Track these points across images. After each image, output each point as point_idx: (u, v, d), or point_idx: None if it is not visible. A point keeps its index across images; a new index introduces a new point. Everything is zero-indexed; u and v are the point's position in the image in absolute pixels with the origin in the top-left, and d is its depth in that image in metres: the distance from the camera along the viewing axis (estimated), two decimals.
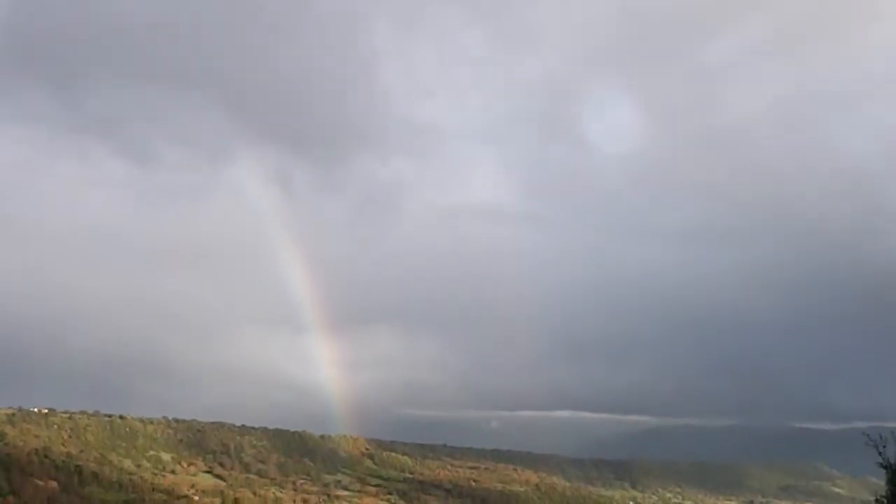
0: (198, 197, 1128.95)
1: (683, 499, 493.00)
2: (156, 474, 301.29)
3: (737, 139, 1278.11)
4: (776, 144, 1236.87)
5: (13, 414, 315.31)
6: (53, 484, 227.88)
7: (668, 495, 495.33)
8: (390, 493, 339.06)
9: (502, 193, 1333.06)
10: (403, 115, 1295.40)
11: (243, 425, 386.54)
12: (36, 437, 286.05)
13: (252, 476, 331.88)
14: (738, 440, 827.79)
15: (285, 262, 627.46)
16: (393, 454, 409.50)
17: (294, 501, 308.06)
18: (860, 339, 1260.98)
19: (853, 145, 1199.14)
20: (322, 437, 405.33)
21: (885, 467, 15.27)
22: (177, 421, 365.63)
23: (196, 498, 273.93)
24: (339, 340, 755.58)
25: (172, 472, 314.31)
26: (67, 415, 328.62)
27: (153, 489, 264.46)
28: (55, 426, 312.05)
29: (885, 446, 15.30)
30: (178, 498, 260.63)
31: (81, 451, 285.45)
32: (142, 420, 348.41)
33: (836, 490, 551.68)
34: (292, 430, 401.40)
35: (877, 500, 15.38)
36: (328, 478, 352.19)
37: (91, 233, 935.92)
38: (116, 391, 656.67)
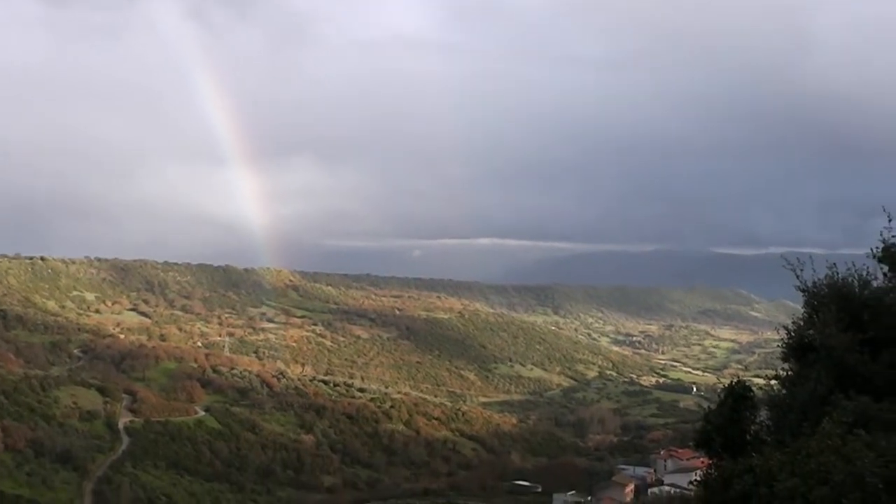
0: (114, 34, 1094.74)
1: (605, 323, 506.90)
2: (81, 314, 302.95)
3: None
4: None
5: None
6: None
7: (590, 319, 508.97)
8: (315, 324, 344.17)
9: (420, 23, 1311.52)
10: None
11: (166, 262, 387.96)
12: None
13: (177, 312, 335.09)
14: (659, 265, 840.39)
15: (203, 96, 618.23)
16: (317, 285, 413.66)
17: (220, 335, 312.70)
18: (780, 167, 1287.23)
19: None
20: (246, 270, 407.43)
21: (803, 291, 18.09)
22: (99, 260, 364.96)
23: (122, 336, 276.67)
24: (260, 173, 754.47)
25: (97, 311, 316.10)
26: None
27: (79, 329, 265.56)
28: None
29: (802, 270, 18.10)
30: (104, 337, 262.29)
31: (4, 295, 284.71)
32: (64, 261, 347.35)
33: (754, 314, 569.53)
34: (216, 264, 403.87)
35: (793, 322, 18.31)
36: (253, 311, 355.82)
37: (5, 73, 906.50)
38: (36, 232, 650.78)
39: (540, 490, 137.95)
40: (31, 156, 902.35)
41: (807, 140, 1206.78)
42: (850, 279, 17.85)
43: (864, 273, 17.59)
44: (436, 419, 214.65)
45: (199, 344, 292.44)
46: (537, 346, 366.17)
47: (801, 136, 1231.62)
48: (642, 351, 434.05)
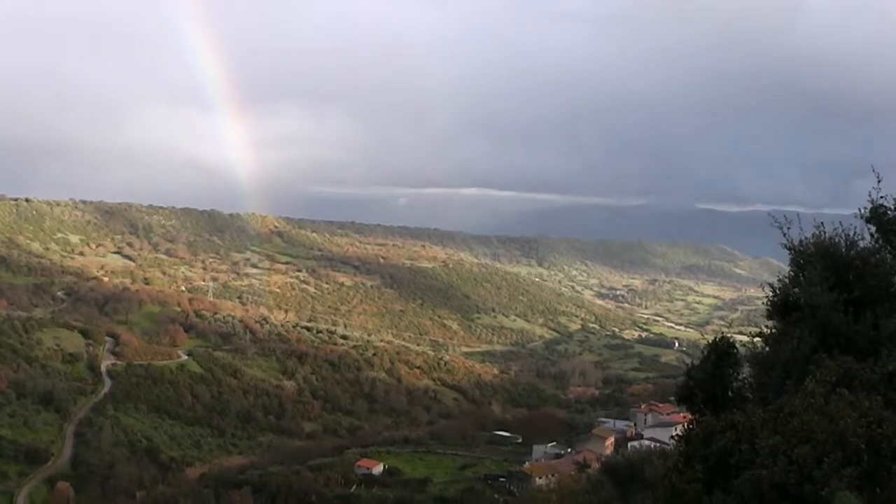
0: None
1: (589, 276, 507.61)
2: (65, 256, 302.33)
3: None
4: None
5: None
6: None
7: (574, 272, 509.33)
8: (299, 270, 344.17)
9: None
10: None
11: (151, 205, 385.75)
12: None
13: (161, 256, 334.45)
14: (644, 219, 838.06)
15: (188, 38, 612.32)
16: (302, 231, 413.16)
17: (204, 280, 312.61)
18: (765, 126, 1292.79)
19: None
20: (231, 215, 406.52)
21: (789, 249, 18.02)
22: (84, 202, 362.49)
23: (106, 279, 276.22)
24: (246, 118, 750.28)
25: (81, 253, 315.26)
26: None
27: (63, 271, 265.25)
28: None
29: (789, 228, 18.02)
30: (88, 279, 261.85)
31: None
32: (48, 202, 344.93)
33: (738, 271, 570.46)
34: (201, 208, 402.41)
35: (779, 280, 18.20)
36: (237, 256, 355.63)
37: None
38: (20, 174, 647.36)
39: (520, 441, 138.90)
40: (14, 96, 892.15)
41: (792, 98, 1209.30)
42: (836, 238, 17.81)
43: (852, 233, 17.54)
44: (417, 368, 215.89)
45: (183, 288, 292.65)
46: (521, 298, 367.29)
47: (787, 94, 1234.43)
48: (625, 305, 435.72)
